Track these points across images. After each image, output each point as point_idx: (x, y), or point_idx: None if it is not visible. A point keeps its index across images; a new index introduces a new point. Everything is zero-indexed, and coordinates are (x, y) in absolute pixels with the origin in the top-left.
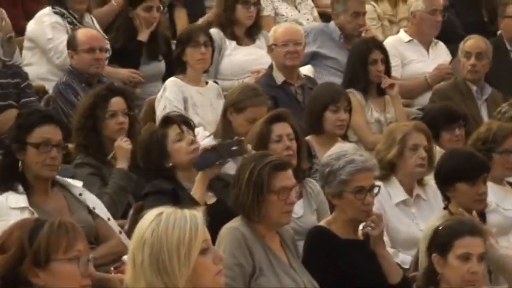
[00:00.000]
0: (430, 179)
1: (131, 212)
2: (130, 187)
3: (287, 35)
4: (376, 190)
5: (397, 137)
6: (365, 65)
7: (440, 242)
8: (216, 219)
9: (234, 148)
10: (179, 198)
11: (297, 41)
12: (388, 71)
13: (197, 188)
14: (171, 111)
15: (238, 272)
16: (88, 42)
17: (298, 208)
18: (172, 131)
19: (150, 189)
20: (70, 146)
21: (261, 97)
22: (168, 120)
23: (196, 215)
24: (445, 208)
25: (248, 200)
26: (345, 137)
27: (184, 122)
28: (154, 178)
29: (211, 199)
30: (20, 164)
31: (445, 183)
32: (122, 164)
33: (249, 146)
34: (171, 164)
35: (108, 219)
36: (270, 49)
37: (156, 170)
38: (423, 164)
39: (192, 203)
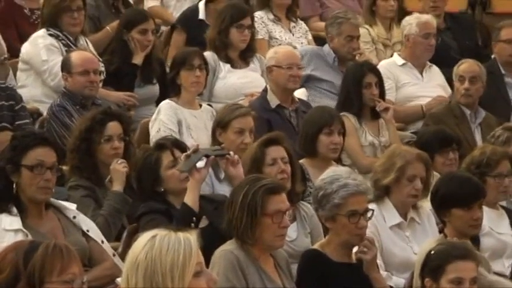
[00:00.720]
0: (424, 202)
1: (125, 234)
2: (125, 210)
3: (291, 58)
4: (369, 214)
5: (397, 163)
6: (359, 88)
7: (433, 266)
8: (208, 242)
9: (217, 148)
10: (173, 218)
11: (300, 65)
12: (382, 95)
13: (189, 194)
14: (165, 134)
15: None
16: (82, 64)
17: (292, 231)
18: (166, 158)
19: (144, 210)
20: (64, 168)
21: (243, 108)
22: (161, 146)
23: (190, 238)
24: (441, 232)
25: (242, 223)
26: (338, 160)
27: (177, 146)
28: (147, 200)
29: (204, 222)
30: (14, 186)
31: (440, 207)
32: (117, 186)
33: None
34: (162, 189)
35: (102, 241)
36: (270, 70)
37: (148, 193)
38: (417, 195)
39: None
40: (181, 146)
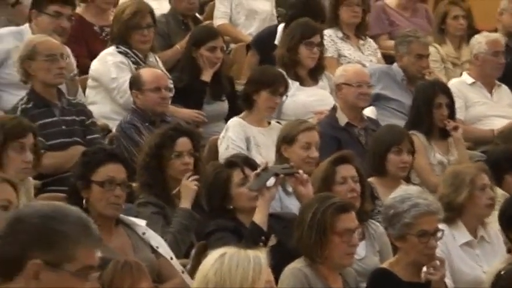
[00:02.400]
0: (491, 221)
1: (194, 251)
2: (193, 226)
3: (361, 76)
4: (440, 234)
5: (466, 179)
6: (430, 108)
7: (503, 286)
8: (277, 261)
9: (285, 167)
10: (242, 235)
11: (370, 84)
12: (452, 115)
13: (258, 212)
14: (233, 151)
15: None
16: (154, 81)
17: (361, 249)
18: (236, 175)
19: (213, 228)
20: (134, 185)
21: (308, 123)
22: (232, 163)
23: (260, 256)
24: (509, 251)
25: (311, 241)
26: (407, 179)
27: (248, 164)
28: (216, 217)
29: (272, 240)
30: (84, 201)
31: (508, 227)
32: (186, 203)
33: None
34: (232, 207)
35: (171, 258)
36: (339, 88)
37: (218, 210)
38: (492, 204)
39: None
40: (251, 164)
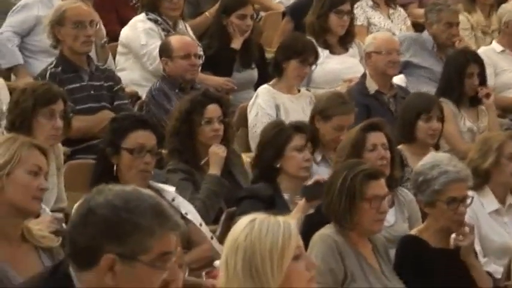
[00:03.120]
0: None
1: (223, 217)
2: (223, 193)
3: (390, 44)
4: (469, 201)
5: (493, 146)
6: (461, 77)
7: None
8: (313, 228)
9: None
10: (275, 204)
11: (399, 51)
12: (483, 84)
13: (295, 214)
14: (263, 119)
15: (330, 278)
16: (183, 48)
17: (390, 216)
18: (298, 139)
19: (246, 194)
20: (163, 151)
21: (347, 105)
22: (299, 128)
23: (290, 222)
24: None
25: (340, 207)
26: (437, 146)
27: (313, 138)
28: (258, 176)
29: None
30: (114, 168)
31: None
32: (215, 170)
33: None
34: (278, 166)
35: (200, 224)
36: (369, 56)
37: (263, 165)
38: None
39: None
40: (315, 141)
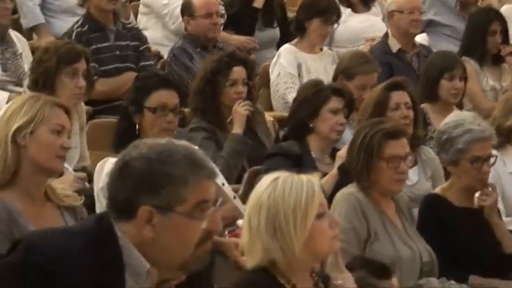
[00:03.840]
0: None
1: (246, 176)
2: (245, 152)
3: (413, 2)
4: (492, 160)
5: None
6: (484, 35)
7: None
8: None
9: None
10: (303, 164)
11: (422, 10)
12: (506, 41)
13: (327, 180)
14: (285, 78)
15: (353, 237)
16: (205, 7)
17: (413, 175)
18: (335, 102)
19: (276, 151)
20: (186, 110)
21: (371, 64)
22: (339, 91)
23: (313, 180)
24: None
25: (358, 165)
26: (460, 105)
27: (349, 104)
28: (289, 132)
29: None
30: (137, 127)
31: None
32: (238, 128)
33: None
34: (311, 126)
35: (223, 184)
36: (391, 15)
37: (296, 122)
38: None
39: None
40: (351, 107)
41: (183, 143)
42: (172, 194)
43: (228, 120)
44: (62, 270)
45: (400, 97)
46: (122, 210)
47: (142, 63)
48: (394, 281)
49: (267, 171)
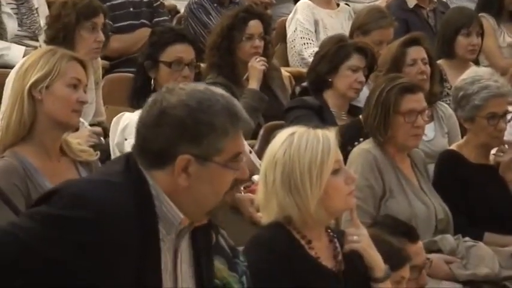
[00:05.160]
0: None
1: (262, 132)
2: (262, 108)
3: None
4: (509, 117)
5: None
6: None
7: None
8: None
9: None
10: (323, 117)
11: None
12: None
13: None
14: (301, 34)
15: (369, 194)
16: None
17: (430, 131)
18: (356, 60)
19: (296, 104)
20: (202, 65)
21: (387, 19)
22: (361, 49)
23: (329, 136)
24: None
25: (375, 120)
26: (476, 62)
27: (371, 63)
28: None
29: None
30: (152, 82)
31: None
32: (254, 84)
33: None
34: (330, 80)
35: None
36: None
37: (315, 76)
38: None
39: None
40: (372, 67)
41: (220, 91)
42: (212, 144)
43: (245, 77)
44: (114, 225)
45: (417, 53)
46: (157, 159)
47: (156, 19)
48: (420, 244)
49: (292, 123)
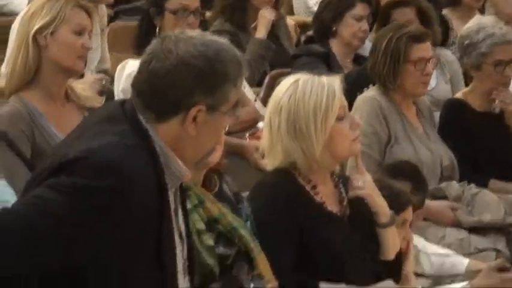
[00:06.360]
0: None
1: (267, 79)
2: (268, 56)
3: None
4: None
5: None
6: None
7: None
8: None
9: None
10: (330, 63)
11: None
12: None
13: None
14: None
15: (374, 140)
16: None
17: (432, 79)
18: (360, 8)
19: (302, 51)
20: (207, 13)
21: None
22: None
23: (334, 82)
24: None
25: (385, 68)
26: (482, 10)
27: (375, 11)
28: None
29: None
30: (157, 29)
31: None
32: (262, 32)
33: None
34: (335, 29)
35: (244, 87)
36: None
37: (320, 24)
38: None
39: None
40: (376, 15)
41: (223, 40)
42: (224, 94)
43: (253, 25)
44: (140, 191)
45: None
46: (168, 110)
47: None
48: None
49: (298, 69)
